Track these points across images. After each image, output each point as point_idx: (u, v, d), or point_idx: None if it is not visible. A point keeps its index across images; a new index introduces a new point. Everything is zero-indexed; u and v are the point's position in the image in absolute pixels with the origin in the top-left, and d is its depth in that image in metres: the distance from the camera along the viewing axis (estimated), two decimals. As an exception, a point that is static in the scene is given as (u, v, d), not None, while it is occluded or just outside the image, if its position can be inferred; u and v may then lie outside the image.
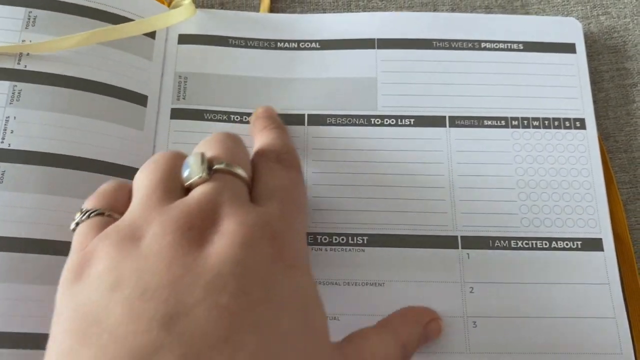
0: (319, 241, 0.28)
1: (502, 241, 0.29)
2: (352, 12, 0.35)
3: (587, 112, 0.31)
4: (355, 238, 0.28)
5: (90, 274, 0.19)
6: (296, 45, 0.32)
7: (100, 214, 0.22)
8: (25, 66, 0.28)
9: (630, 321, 0.28)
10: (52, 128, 0.27)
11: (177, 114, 0.30)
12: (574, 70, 0.32)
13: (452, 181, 0.30)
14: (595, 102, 0.32)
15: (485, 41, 0.32)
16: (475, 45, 0.32)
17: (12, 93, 0.27)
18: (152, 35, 0.31)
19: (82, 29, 0.29)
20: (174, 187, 0.22)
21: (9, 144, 0.26)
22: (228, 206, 0.21)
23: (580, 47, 0.32)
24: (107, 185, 0.23)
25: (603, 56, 0.34)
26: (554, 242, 0.29)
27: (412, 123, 0.31)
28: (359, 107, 0.31)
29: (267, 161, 0.25)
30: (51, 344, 0.19)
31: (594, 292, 0.28)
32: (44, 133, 0.27)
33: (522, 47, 0.32)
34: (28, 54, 0.28)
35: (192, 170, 0.22)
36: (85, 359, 0.17)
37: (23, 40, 0.28)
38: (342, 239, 0.28)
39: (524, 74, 0.32)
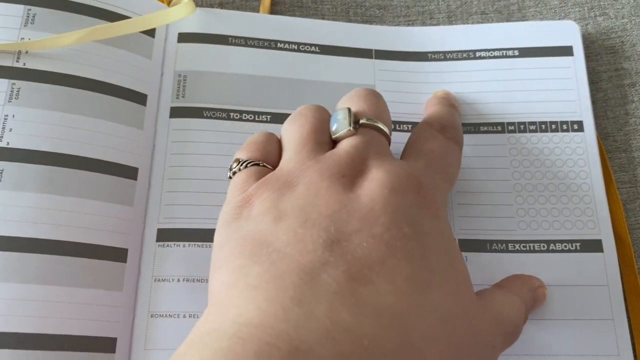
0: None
1: (499, 244, 0.29)
2: (351, 19, 0.35)
3: (585, 114, 0.31)
4: None
5: (251, 213, 0.22)
6: (296, 47, 0.32)
7: (256, 164, 0.24)
8: (24, 64, 0.28)
9: (631, 322, 0.28)
10: (51, 127, 0.27)
11: (176, 112, 0.30)
12: (572, 73, 0.32)
13: None
14: (593, 102, 0.32)
15: (480, 50, 0.32)
16: (470, 55, 0.32)
17: (11, 91, 0.27)
18: (151, 33, 0.31)
19: (81, 26, 0.29)
20: (322, 139, 0.24)
21: (8, 143, 0.26)
22: (374, 158, 0.23)
23: (578, 50, 0.32)
24: (258, 136, 0.25)
25: (601, 57, 0.34)
26: (552, 245, 0.29)
27: (409, 129, 0.31)
28: None
29: (429, 128, 0.27)
30: (218, 268, 0.21)
31: (592, 294, 0.28)
32: (43, 132, 0.27)
33: (517, 54, 0.32)
34: (27, 52, 0.28)
35: (340, 124, 0.24)
36: (257, 272, 0.20)
37: (22, 38, 0.28)
38: None
39: (519, 80, 0.32)
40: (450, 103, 0.30)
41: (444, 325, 0.20)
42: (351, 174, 0.22)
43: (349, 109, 0.24)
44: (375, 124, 0.24)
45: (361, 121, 0.24)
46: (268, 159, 0.24)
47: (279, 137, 0.25)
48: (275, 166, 0.24)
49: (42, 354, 0.23)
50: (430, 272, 0.21)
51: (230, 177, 0.25)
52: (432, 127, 0.27)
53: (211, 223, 0.26)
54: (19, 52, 0.28)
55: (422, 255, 0.21)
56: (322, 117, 0.25)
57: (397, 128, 0.31)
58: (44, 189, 0.26)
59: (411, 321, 0.19)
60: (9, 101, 0.27)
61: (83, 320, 0.25)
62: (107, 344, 0.25)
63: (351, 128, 0.24)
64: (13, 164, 0.26)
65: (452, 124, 0.28)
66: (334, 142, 0.24)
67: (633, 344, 0.27)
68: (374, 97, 0.26)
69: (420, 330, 0.19)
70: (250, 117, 0.30)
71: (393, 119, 0.31)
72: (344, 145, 0.23)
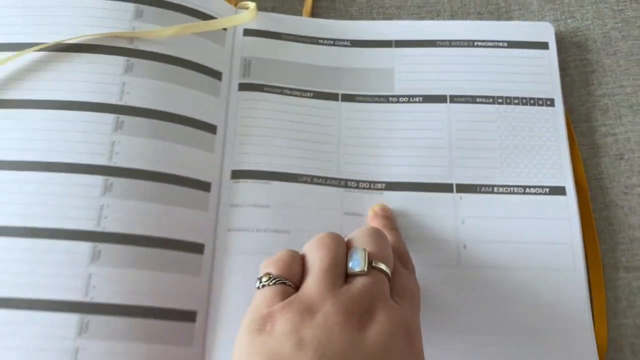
0: (348, 185, 0.37)
1: (487, 187, 0.38)
2: (375, 19, 0.44)
3: (556, 93, 0.40)
4: (375, 184, 0.38)
5: (275, 329, 0.26)
6: (332, 42, 0.42)
7: (283, 282, 0.28)
8: (136, 46, 0.37)
9: (585, 245, 0.37)
10: (155, 92, 0.36)
11: (243, 87, 0.39)
12: (547, 62, 0.41)
13: (451, 144, 0.39)
14: (562, 85, 0.41)
15: (478, 41, 0.42)
16: (470, 44, 0.42)
17: (127, 65, 0.37)
18: (224, 28, 0.40)
19: (176, 21, 0.38)
20: (339, 271, 0.28)
21: (125, 102, 0.36)
22: (380, 300, 0.27)
23: (552, 45, 0.42)
24: (286, 255, 0.29)
25: (569, 50, 0.43)
26: (527, 189, 0.38)
27: (420, 100, 0.40)
28: (381, 89, 0.40)
29: (398, 264, 0.31)
30: None
31: (557, 225, 0.37)
32: (152, 95, 0.36)
33: (506, 45, 0.41)
34: (138, 39, 0.38)
35: (357, 264, 0.28)
36: None
37: (133, 28, 0.38)
38: (365, 185, 0.38)
39: (507, 65, 0.41)
40: (392, 225, 0.36)
41: None
42: (360, 312, 0.27)
43: (365, 251, 0.29)
44: (384, 268, 0.29)
45: (373, 264, 0.28)
46: (293, 278, 0.28)
47: (301, 255, 0.30)
48: (298, 285, 0.28)
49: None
50: None
51: (258, 288, 0.28)
52: (398, 262, 0.32)
53: (266, 166, 0.37)
54: (132, 38, 0.37)
55: None
56: (341, 250, 0.29)
57: (411, 100, 0.40)
58: (153, 134, 0.35)
59: None
60: (125, 72, 0.37)
61: (177, 224, 0.34)
62: (196, 248, 0.34)
63: (365, 269, 0.28)
64: (130, 118, 0.35)
65: (407, 256, 0.33)
66: (348, 275, 0.28)
67: (586, 262, 0.36)
68: (383, 240, 0.30)
69: None
70: (298, 93, 0.40)
71: (408, 93, 0.40)
72: (358, 284, 0.28)
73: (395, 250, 0.32)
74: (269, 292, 0.27)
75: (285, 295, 0.27)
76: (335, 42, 0.42)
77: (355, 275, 0.28)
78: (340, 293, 0.27)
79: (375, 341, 0.26)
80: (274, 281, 0.28)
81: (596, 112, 0.41)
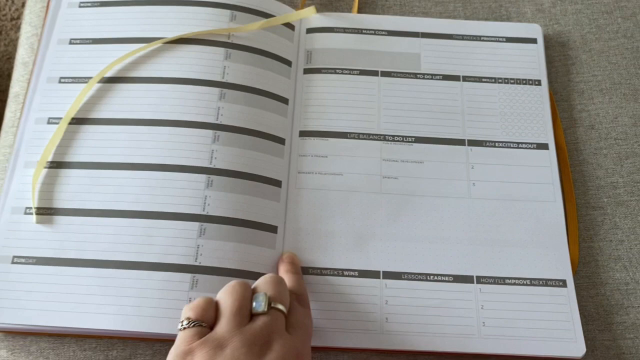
0: (386, 139, 0.50)
1: (490, 142, 0.50)
2: (406, 16, 0.58)
3: (542, 76, 0.53)
4: (406, 138, 0.50)
5: None
6: (373, 32, 0.55)
7: (200, 325, 0.35)
8: (232, 40, 0.51)
9: (563, 189, 0.50)
10: (252, 72, 0.50)
11: (306, 71, 0.53)
12: (535, 53, 0.54)
13: (463, 110, 0.52)
14: (549, 74, 0.54)
15: (483, 36, 0.55)
16: (477, 38, 0.55)
17: (226, 54, 0.51)
18: (292, 28, 0.54)
19: (256, 20, 0.52)
20: (245, 313, 0.35)
21: (226, 79, 0.49)
22: (276, 333, 0.35)
23: (539, 41, 0.55)
24: (202, 301, 0.36)
25: (555, 48, 0.56)
26: (520, 145, 0.50)
27: (440, 78, 0.53)
28: (410, 68, 0.53)
29: (294, 301, 0.39)
30: None
31: (542, 171, 0.49)
32: (250, 75, 0.50)
33: (504, 40, 0.55)
34: (234, 33, 0.52)
35: (259, 306, 0.36)
36: None
37: (230, 27, 0.52)
38: (399, 138, 0.50)
39: (505, 54, 0.54)
40: (295, 269, 0.44)
41: None
42: (261, 344, 0.34)
43: (266, 295, 0.36)
44: (280, 308, 0.36)
45: (272, 304, 0.36)
46: (208, 320, 0.35)
47: (215, 300, 0.37)
48: (212, 325, 0.35)
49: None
50: None
51: (180, 329, 0.35)
52: (295, 300, 0.39)
53: (324, 127, 0.50)
54: (230, 34, 0.51)
55: None
56: (248, 295, 0.36)
57: (434, 78, 0.53)
58: (247, 103, 0.49)
59: None
60: (225, 59, 0.50)
61: (263, 166, 0.48)
62: (277, 183, 0.48)
63: (265, 309, 0.35)
64: (230, 92, 0.49)
65: (303, 292, 0.41)
66: (252, 315, 0.36)
67: (563, 199, 0.49)
68: (282, 285, 0.38)
69: None
70: (347, 71, 0.53)
71: (430, 72, 0.53)
72: (259, 322, 0.35)
73: (295, 291, 0.40)
74: (189, 333, 0.35)
75: (201, 335, 0.34)
76: (375, 32, 0.55)
77: (258, 314, 0.36)
78: (245, 330, 0.34)
79: None
80: (192, 324, 0.35)
81: (574, 94, 0.54)
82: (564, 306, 0.44)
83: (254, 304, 0.36)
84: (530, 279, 0.45)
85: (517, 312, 0.44)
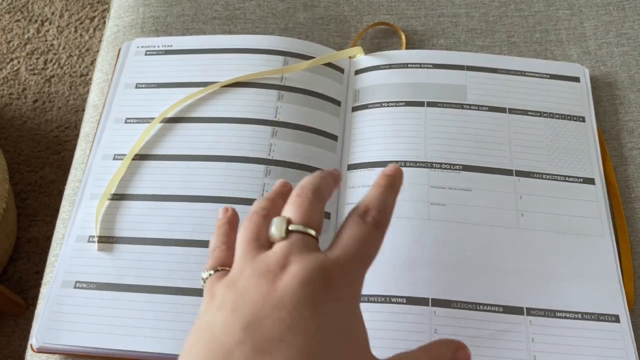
0: (433, 166, 0.51)
1: (537, 174, 0.50)
2: (450, 50, 0.59)
3: (586, 112, 0.54)
4: (454, 166, 0.51)
5: (213, 303, 0.30)
6: (419, 66, 0.57)
7: (217, 270, 0.33)
8: (284, 83, 0.54)
9: (615, 225, 0.49)
10: (303, 111, 0.53)
11: (354, 109, 0.55)
12: (577, 91, 0.55)
13: (510, 142, 0.52)
14: (597, 113, 0.55)
15: (528, 72, 0.56)
16: (522, 73, 0.56)
17: (278, 95, 0.54)
18: (341, 71, 0.57)
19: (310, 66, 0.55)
20: (261, 243, 0.32)
21: (278, 118, 0.52)
22: (296, 255, 0.29)
23: (583, 79, 0.55)
24: (216, 251, 0.35)
25: (603, 88, 0.57)
26: (567, 178, 0.50)
27: (486, 109, 0.54)
28: (456, 99, 0.54)
29: (353, 214, 0.32)
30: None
31: (588, 206, 0.49)
32: (301, 114, 0.53)
33: (548, 77, 0.56)
34: (285, 77, 0.55)
35: (275, 232, 0.31)
36: (196, 350, 0.28)
37: (282, 72, 0.55)
38: (447, 166, 0.51)
39: (548, 90, 0.55)
40: (388, 184, 0.34)
41: None
42: (275, 270, 0.29)
43: (284, 218, 0.31)
44: (302, 230, 0.31)
45: (291, 228, 0.31)
46: (227, 263, 0.33)
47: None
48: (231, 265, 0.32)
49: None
50: (323, 344, 0.27)
51: (204, 280, 0.33)
52: (356, 214, 0.32)
53: (370, 159, 0.51)
54: (282, 76, 0.55)
55: (317, 332, 0.27)
56: (265, 223, 0.32)
57: (480, 109, 0.54)
58: (297, 140, 0.51)
59: None
60: (278, 100, 0.53)
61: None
62: (324, 215, 0.49)
63: (283, 235, 0.31)
64: (282, 129, 0.52)
65: (377, 207, 0.32)
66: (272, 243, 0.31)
67: (616, 235, 0.48)
68: (309, 203, 0.32)
69: None
70: (393, 104, 0.54)
71: (476, 103, 0.54)
72: (275, 248, 0.30)
73: (364, 203, 0.33)
74: (209, 281, 0.33)
75: (220, 278, 0.32)
76: (421, 65, 0.56)
77: (276, 242, 0.31)
78: (258, 260, 0.30)
79: (285, 289, 0.28)
80: (209, 274, 0.33)
81: (624, 132, 0.54)
82: (617, 342, 0.43)
83: (271, 229, 0.32)
84: (582, 313, 0.44)
85: (569, 346, 0.42)
